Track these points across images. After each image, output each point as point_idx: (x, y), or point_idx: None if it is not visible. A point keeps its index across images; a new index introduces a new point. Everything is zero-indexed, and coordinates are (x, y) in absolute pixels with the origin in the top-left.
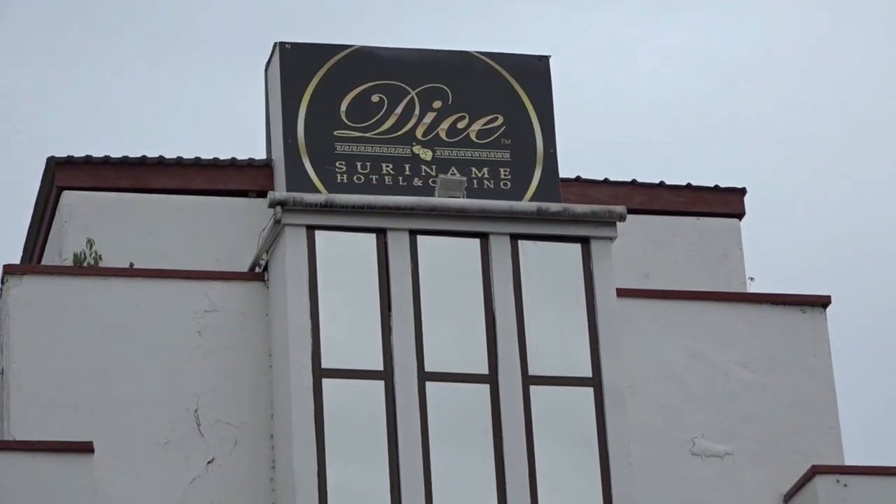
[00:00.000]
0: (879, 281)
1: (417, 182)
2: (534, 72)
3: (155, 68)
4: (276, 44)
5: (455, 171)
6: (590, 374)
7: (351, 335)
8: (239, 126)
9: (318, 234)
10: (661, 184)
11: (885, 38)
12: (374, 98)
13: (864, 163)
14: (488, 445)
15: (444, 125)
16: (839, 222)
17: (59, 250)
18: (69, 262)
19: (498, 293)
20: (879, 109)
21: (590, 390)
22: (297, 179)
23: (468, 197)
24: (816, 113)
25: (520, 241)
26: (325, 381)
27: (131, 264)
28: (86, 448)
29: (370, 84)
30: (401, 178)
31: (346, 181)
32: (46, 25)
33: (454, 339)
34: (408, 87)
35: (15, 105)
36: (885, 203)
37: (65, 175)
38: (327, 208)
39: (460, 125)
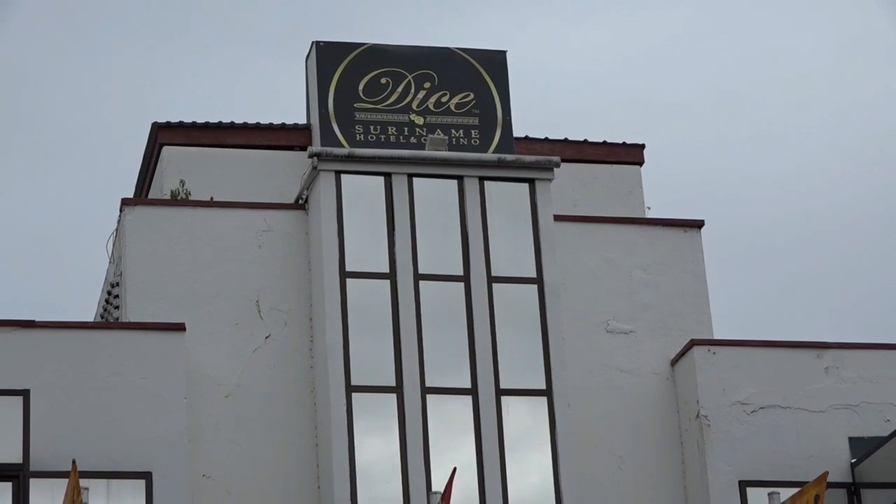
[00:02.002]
0: (739, 209)
1: (413, 140)
2: (495, 61)
3: (231, 57)
4: (313, 42)
5: (440, 133)
6: (535, 275)
7: (366, 247)
8: (287, 100)
9: (344, 177)
10: (585, 141)
11: (742, 30)
12: (383, 80)
13: (729, 125)
14: (463, 327)
15: (432, 99)
16: (711, 168)
17: (161, 188)
18: (168, 196)
19: (470, 218)
20: (739, 82)
21: (535, 286)
22: (328, 138)
23: (449, 150)
24: (694, 87)
25: (486, 182)
26: (349, 281)
27: (211, 198)
28: (179, 328)
29: (379, 70)
30: (401, 137)
31: (363, 139)
32: (149, 25)
33: (439, 250)
34: (406, 73)
35: (126, 83)
36: (745, 154)
37: (164, 135)
38: (350, 159)
39: (443, 99)
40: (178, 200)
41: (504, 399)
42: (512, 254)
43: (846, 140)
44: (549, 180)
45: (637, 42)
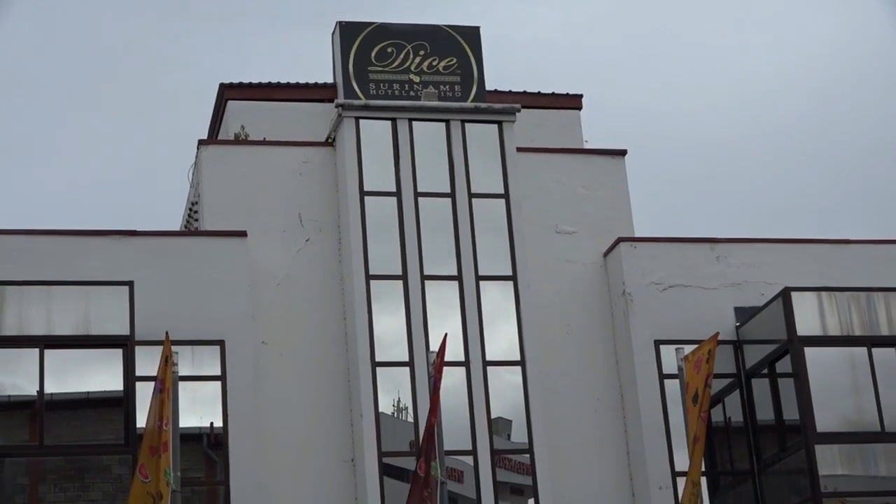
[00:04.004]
0: (655, 141)
1: (412, 94)
2: (471, 34)
3: (277, 34)
4: (337, 22)
5: (431, 88)
6: (503, 192)
7: (379, 173)
8: (319, 65)
9: (361, 121)
10: (539, 92)
11: (661, 4)
12: (389, 49)
13: (648, 79)
14: (450, 230)
15: (426, 63)
16: (634, 110)
17: (227, 131)
18: (232, 138)
19: (455, 151)
20: (659, 45)
21: (503, 200)
22: (349, 93)
23: (438, 101)
24: (623, 50)
25: (466, 124)
26: (366, 198)
27: (264, 138)
28: (242, 234)
29: (386, 42)
30: (403, 92)
31: (374, 94)
32: (218, 8)
33: (433, 174)
34: (406, 44)
35: (200, 53)
36: (659, 100)
37: (229, 92)
38: (365, 108)
39: (434, 63)
40: (240, 140)
41: (482, 283)
42: (486, 176)
43: (734, 86)
44: (513, 122)
45: (578, 16)
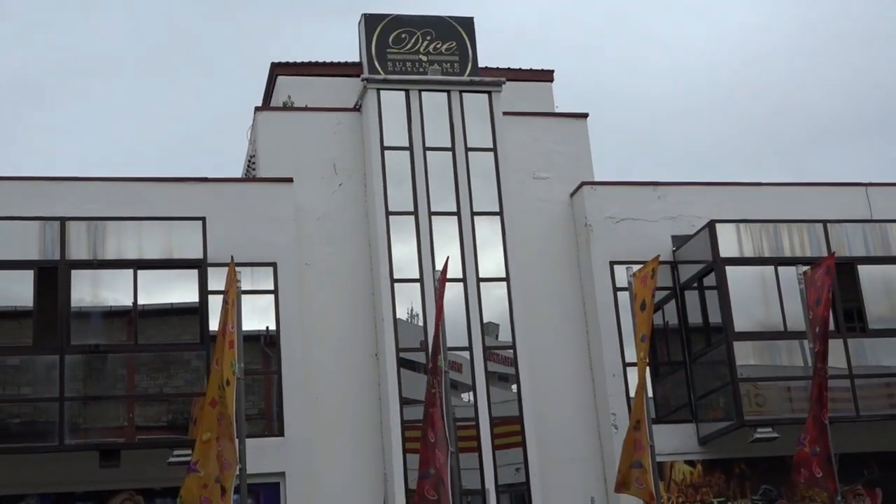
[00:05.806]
0: (613, 106)
1: (421, 70)
2: (467, 24)
3: (317, 22)
4: (362, 14)
5: (436, 65)
6: (492, 146)
7: (395, 132)
8: (348, 47)
9: (382, 92)
10: (520, 68)
11: None
12: (403, 35)
13: (609, 51)
14: (451, 175)
15: (432, 46)
16: (594, 81)
17: (277, 99)
18: (281, 105)
19: (454, 115)
20: (623, 27)
21: (492, 153)
22: (372, 69)
23: (442, 76)
24: (589, 31)
25: (463, 93)
26: (386, 152)
27: (306, 105)
28: (289, 180)
29: (401, 29)
30: (414, 69)
31: (392, 70)
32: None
33: (436, 133)
34: (416, 31)
35: (255, 37)
36: (617, 73)
37: (278, 69)
38: (385, 81)
39: (438, 46)
40: (287, 107)
41: (476, 218)
42: (479, 135)
43: (673, 61)
44: (499, 92)
45: (550, 8)
